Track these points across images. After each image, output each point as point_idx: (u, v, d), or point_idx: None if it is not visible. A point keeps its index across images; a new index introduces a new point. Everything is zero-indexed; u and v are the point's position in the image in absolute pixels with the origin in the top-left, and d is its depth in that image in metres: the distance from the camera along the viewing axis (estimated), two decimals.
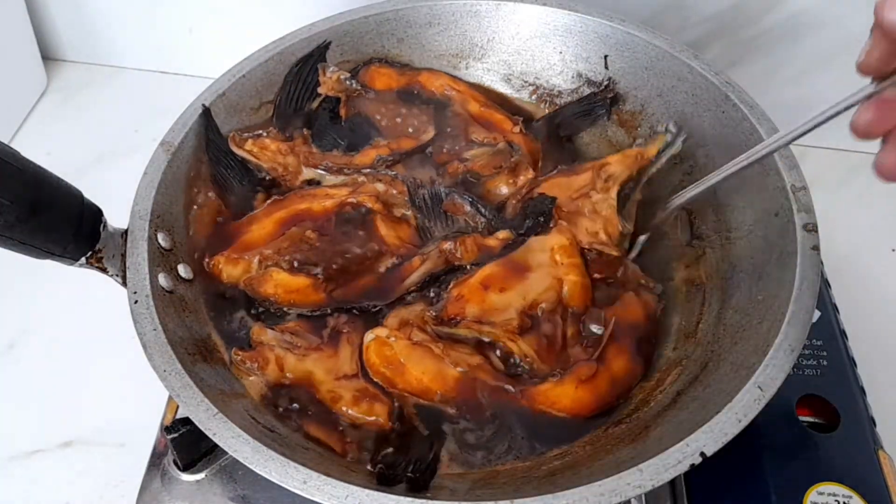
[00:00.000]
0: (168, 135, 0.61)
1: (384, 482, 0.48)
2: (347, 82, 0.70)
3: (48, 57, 1.02)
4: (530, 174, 0.66)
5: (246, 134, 0.66)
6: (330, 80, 0.70)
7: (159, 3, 0.93)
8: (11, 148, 0.48)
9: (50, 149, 0.90)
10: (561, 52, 0.73)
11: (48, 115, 0.97)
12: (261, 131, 0.67)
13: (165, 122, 0.61)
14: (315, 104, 0.70)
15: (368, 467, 0.50)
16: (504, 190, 0.65)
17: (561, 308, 0.57)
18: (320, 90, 0.70)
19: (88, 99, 0.99)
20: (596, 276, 0.59)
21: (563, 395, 0.53)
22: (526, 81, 0.75)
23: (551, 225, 0.61)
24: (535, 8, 0.71)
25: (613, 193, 0.63)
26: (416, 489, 0.48)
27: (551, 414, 0.53)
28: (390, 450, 0.50)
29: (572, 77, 0.73)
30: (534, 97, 0.75)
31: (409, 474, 0.48)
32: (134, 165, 0.59)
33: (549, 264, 0.58)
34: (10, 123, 0.94)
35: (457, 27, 0.73)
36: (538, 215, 0.61)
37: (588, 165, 0.65)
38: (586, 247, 0.60)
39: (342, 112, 0.69)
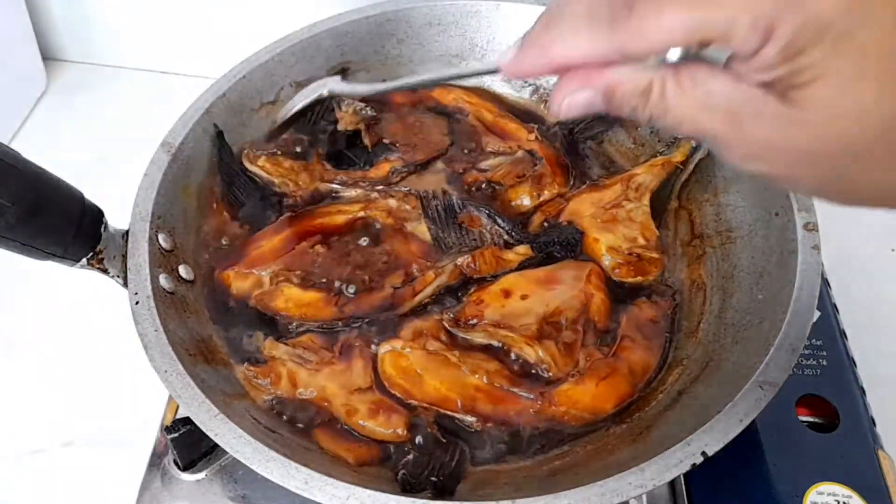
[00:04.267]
0: (168, 135, 0.61)
1: (408, 489, 0.48)
2: (363, 112, 0.70)
3: (48, 57, 1.02)
4: (556, 189, 0.65)
5: (259, 151, 0.66)
6: (346, 114, 0.69)
7: (159, 3, 0.93)
8: (12, 149, 0.48)
9: (50, 149, 0.90)
10: None
11: (48, 115, 0.97)
12: (275, 149, 0.67)
13: (165, 122, 0.61)
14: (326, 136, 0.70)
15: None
16: (526, 201, 0.65)
17: (583, 319, 0.57)
18: (339, 126, 0.69)
19: (88, 99, 0.99)
20: (638, 278, 0.60)
21: (584, 394, 0.53)
22: (526, 81, 0.75)
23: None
24: (536, 8, 0.71)
25: (646, 201, 0.63)
26: (441, 495, 0.47)
27: (572, 415, 0.52)
28: (411, 457, 0.50)
29: None
30: (534, 97, 0.75)
31: (432, 478, 0.48)
32: (134, 165, 0.59)
33: (581, 281, 0.58)
34: (10, 123, 0.94)
35: (457, 27, 0.73)
36: (565, 247, 0.61)
37: (616, 178, 0.65)
38: (626, 251, 0.60)
39: (367, 141, 0.68)
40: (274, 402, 0.53)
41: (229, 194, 0.64)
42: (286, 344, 0.56)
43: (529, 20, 0.74)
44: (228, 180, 0.64)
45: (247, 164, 0.65)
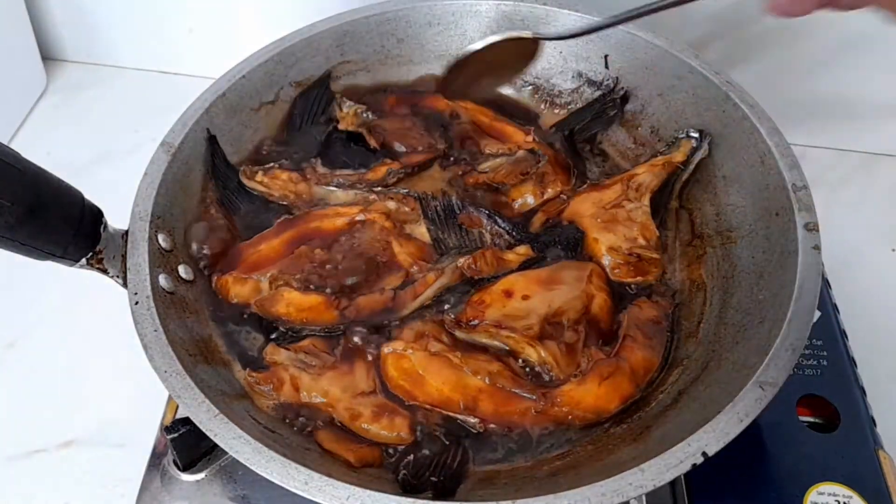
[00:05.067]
0: (168, 135, 0.61)
1: (409, 489, 0.48)
2: (364, 115, 0.70)
3: (48, 57, 1.02)
4: (559, 187, 0.65)
5: (256, 167, 0.66)
6: (348, 115, 0.70)
7: (159, 3, 0.93)
8: (12, 149, 0.48)
9: (50, 149, 0.90)
10: (561, 52, 0.73)
11: (48, 115, 0.97)
12: (271, 164, 0.67)
13: (165, 122, 0.61)
14: (324, 133, 0.70)
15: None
16: (530, 200, 0.65)
17: (585, 320, 0.57)
18: (340, 127, 0.70)
19: (88, 99, 0.99)
20: (638, 278, 0.60)
21: (586, 394, 0.52)
22: (526, 81, 0.75)
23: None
24: (536, 8, 0.71)
25: (646, 201, 0.63)
26: (442, 495, 0.47)
27: (575, 415, 0.52)
28: (412, 457, 0.50)
29: (572, 77, 0.73)
30: (534, 97, 0.75)
31: (433, 479, 0.48)
32: (134, 165, 0.59)
33: (582, 281, 0.58)
34: (10, 123, 0.94)
35: (457, 27, 0.73)
36: (566, 248, 0.61)
37: (617, 178, 0.66)
38: (626, 251, 0.60)
39: (372, 143, 0.68)
40: (277, 406, 0.53)
41: (225, 198, 0.64)
42: (287, 349, 0.55)
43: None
44: (223, 185, 0.64)
45: (244, 181, 0.65)
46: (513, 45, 0.52)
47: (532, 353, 0.54)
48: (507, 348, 0.55)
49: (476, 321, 0.56)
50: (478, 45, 0.53)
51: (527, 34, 0.51)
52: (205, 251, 0.60)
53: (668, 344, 0.57)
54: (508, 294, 0.57)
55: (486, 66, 0.56)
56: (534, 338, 0.54)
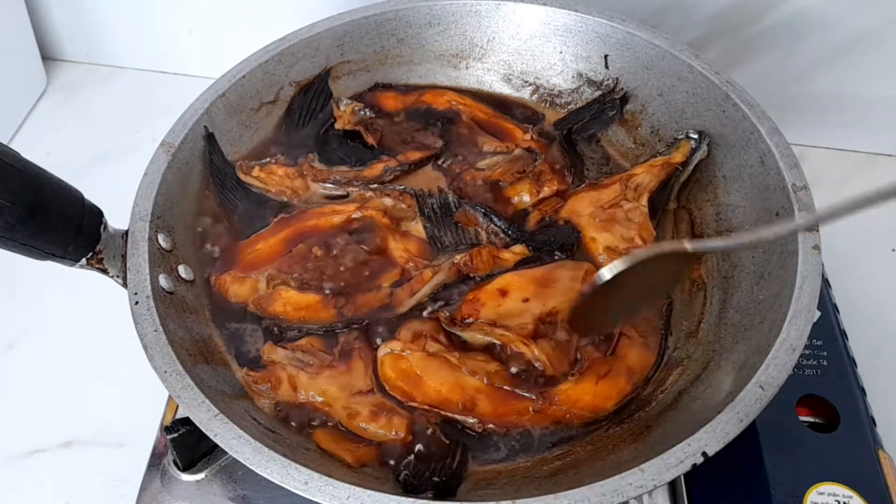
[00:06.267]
0: (168, 135, 0.61)
1: (410, 490, 0.48)
2: (361, 112, 0.70)
3: (48, 57, 1.02)
4: (555, 186, 0.65)
5: (253, 162, 0.66)
6: (345, 113, 0.70)
7: (159, 3, 0.93)
8: (12, 149, 0.48)
9: (50, 149, 0.90)
10: (561, 52, 0.73)
11: (48, 115, 0.97)
12: (268, 159, 0.67)
13: (165, 122, 0.61)
14: (321, 130, 0.71)
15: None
16: (526, 198, 0.65)
17: None
18: (337, 126, 0.70)
19: (88, 99, 0.99)
20: None
21: (584, 393, 0.53)
22: (526, 81, 0.75)
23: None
24: (535, 8, 0.71)
25: (644, 201, 0.63)
26: (443, 495, 0.47)
27: (573, 414, 0.52)
28: (412, 457, 0.50)
29: (573, 77, 0.73)
30: (534, 97, 0.75)
31: (434, 479, 0.48)
32: (134, 165, 0.59)
33: (577, 281, 0.58)
34: (10, 123, 0.94)
35: (457, 27, 0.73)
36: (562, 248, 0.61)
37: (615, 178, 0.65)
38: (623, 251, 0.60)
39: (370, 140, 0.68)
40: (275, 406, 0.53)
41: (223, 197, 0.64)
42: (285, 348, 0.55)
43: (529, 19, 0.75)
44: (221, 183, 0.64)
45: (241, 176, 0.65)
46: (662, 260, 0.43)
47: (526, 351, 0.54)
48: (500, 345, 0.55)
49: (471, 319, 0.56)
50: (620, 266, 0.43)
51: (681, 248, 0.41)
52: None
53: (663, 342, 0.57)
54: (503, 293, 0.57)
55: (629, 290, 0.46)
56: (528, 336, 0.54)
